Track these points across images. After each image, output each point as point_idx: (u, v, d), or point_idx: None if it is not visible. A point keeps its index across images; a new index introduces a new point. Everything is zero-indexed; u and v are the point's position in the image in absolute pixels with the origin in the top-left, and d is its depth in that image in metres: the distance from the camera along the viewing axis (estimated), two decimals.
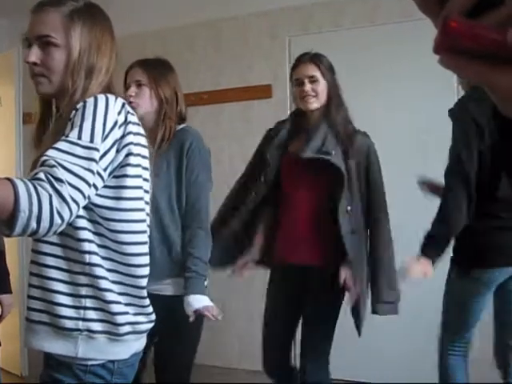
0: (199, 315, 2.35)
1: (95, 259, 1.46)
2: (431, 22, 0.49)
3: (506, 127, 0.59)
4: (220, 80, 4.46)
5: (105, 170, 1.41)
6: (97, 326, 1.48)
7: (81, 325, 1.47)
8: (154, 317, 1.63)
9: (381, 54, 4.03)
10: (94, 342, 1.48)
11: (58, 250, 1.48)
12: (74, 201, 1.29)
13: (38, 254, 1.50)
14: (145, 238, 1.57)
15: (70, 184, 1.29)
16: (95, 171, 1.36)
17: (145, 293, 1.57)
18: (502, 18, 0.46)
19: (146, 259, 1.56)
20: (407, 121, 4.00)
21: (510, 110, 0.48)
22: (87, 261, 1.46)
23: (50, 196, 1.25)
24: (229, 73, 4.58)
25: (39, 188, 1.24)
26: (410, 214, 3.69)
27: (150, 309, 1.61)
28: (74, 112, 1.43)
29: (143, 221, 1.56)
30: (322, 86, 2.70)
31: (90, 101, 1.42)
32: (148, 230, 1.60)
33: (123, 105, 1.48)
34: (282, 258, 2.76)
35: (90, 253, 1.46)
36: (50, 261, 1.48)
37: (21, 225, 1.22)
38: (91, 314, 1.47)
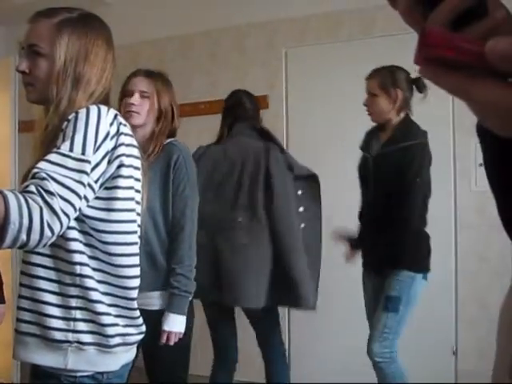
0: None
1: (86, 270, 1.45)
2: None
3: (486, 140, 0.59)
4: (216, 90, 4.46)
5: (96, 181, 1.41)
6: (87, 338, 1.46)
7: (70, 336, 1.45)
8: (144, 328, 1.62)
9: (377, 67, 4.04)
10: (83, 353, 1.47)
11: (48, 261, 1.47)
12: (65, 213, 1.29)
13: (29, 264, 1.48)
14: (136, 249, 1.56)
15: (61, 197, 1.29)
16: (86, 183, 1.36)
17: (135, 304, 1.56)
18: (485, 30, 0.46)
19: (136, 271, 1.55)
20: None
21: (490, 122, 0.48)
22: (78, 272, 1.45)
23: (41, 209, 1.25)
24: (225, 83, 4.59)
25: (30, 201, 1.24)
26: None
27: (140, 320, 1.60)
28: (65, 123, 1.42)
29: (134, 232, 1.55)
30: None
31: (82, 112, 1.42)
32: (139, 241, 1.59)
33: (115, 116, 1.48)
34: None
35: (80, 264, 1.45)
36: (40, 272, 1.47)
37: (11, 237, 1.22)
38: (81, 326, 1.46)
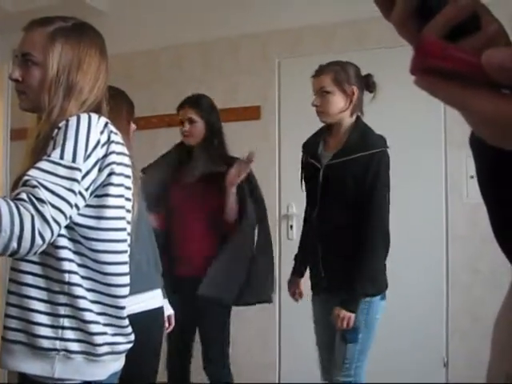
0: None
1: (75, 278, 1.45)
2: None
3: (481, 151, 0.59)
4: None
5: (87, 189, 1.41)
6: (74, 346, 1.46)
7: (58, 344, 1.44)
8: (132, 337, 1.61)
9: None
10: (71, 362, 1.46)
11: (37, 269, 1.46)
12: (56, 221, 1.30)
13: (18, 272, 1.48)
14: (125, 258, 1.56)
15: (52, 205, 1.29)
16: (77, 191, 1.36)
17: (124, 313, 1.56)
18: (480, 42, 0.47)
19: (125, 279, 1.55)
20: (396, 145, 4.02)
21: (484, 133, 0.48)
22: (67, 280, 1.44)
23: (32, 217, 1.25)
24: (218, 93, 4.59)
25: (21, 208, 1.24)
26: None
27: (129, 329, 1.59)
28: (56, 131, 1.42)
29: (124, 241, 1.55)
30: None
31: (73, 120, 1.43)
32: (129, 249, 1.59)
33: (106, 124, 1.48)
34: None
35: (69, 272, 1.44)
36: (28, 279, 1.46)
37: (1, 244, 1.22)
38: (69, 334, 1.45)
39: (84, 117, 1.44)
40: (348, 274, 2.60)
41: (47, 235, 1.28)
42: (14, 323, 1.48)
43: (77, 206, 1.38)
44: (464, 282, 3.89)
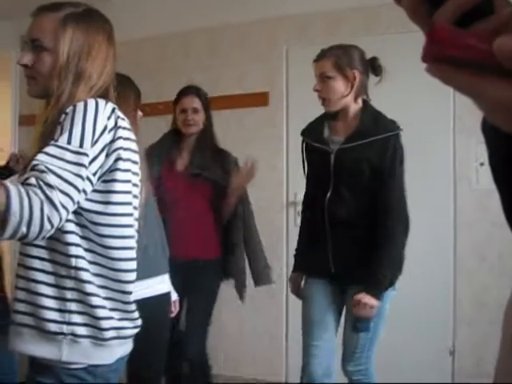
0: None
1: (82, 263, 1.46)
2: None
3: (494, 137, 0.59)
4: (216, 87, 4.45)
5: (94, 174, 1.42)
6: (81, 330, 1.47)
7: (65, 328, 1.46)
8: (139, 322, 1.62)
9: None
10: (78, 345, 1.47)
11: (45, 253, 1.47)
12: (64, 207, 1.31)
13: (26, 256, 1.50)
14: (132, 243, 1.57)
15: (60, 190, 1.30)
16: (85, 176, 1.37)
17: (130, 298, 1.57)
18: (491, 28, 0.46)
19: (132, 264, 1.56)
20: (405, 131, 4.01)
21: (497, 120, 0.47)
22: (73, 264, 1.45)
23: (42, 202, 1.26)
24: (225, 80, 4.58)
25: (31, 193, 1.26)
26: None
27: (136, 314, 1.61)
28: (63, 116, 1.43)
29: (131, 226, 1.56)
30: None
31: (80, 105, 1.43)
32: (136, 235, 1.60)
33: (113, 109, 1.48)
34: None
35: (76, 257, 1.46)
36: (36, 264, 1.48)
37: (11, 229, 1.24)
38: (76, 318, 1.47)
39: (91, 102, 1.44)
40: (363, 262, 2.56)
41: (55, 220, 1.29)
42: (22, 307, 1.50)
43: (84, 191, 1.39)
44: (471, 269, 3.89)
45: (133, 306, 1.59)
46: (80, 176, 1.36)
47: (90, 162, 1.39)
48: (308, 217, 2.88)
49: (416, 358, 3.86)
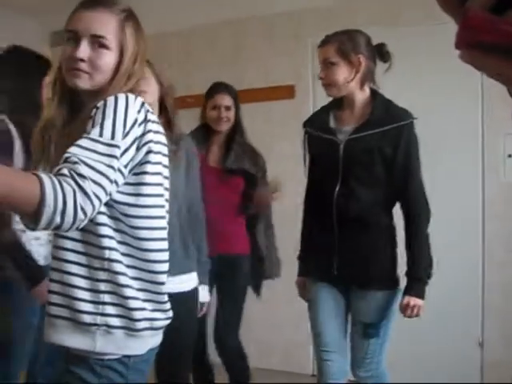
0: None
1: (115, 255, 1.49)
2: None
3: None
4: (242, 80, 4.46)
5: (125, 166, 1.44)
6: (114, 321, 1.50)
7: (99, 320, 1.49)
8: (171, 313, 1.65)
9: (403, 56, 4.01)
10: (111, 336, 1.50)
11: (78, 246, 1.50)
12: (97, 196, 1.33)
13: (59, 249, 1.52)
14: (164, 234, 1.59)
15: (93, 180, 1.32)
16: (116, 168, 1.39)
17: (163, 289, 1.59)
18: None
19: (165, 255, 1.59)
20: (434, 124, 3.98)
21: None
22: (107, 256, 1.48)
23: (74, 192, 1.28)
24: (251, 73, 4.59)
25: (64, 184, 1.27)
26: None
27: (168, 305, 1.63)
28: (94, 110, 1.45)
29: (163, 217, 1.59)
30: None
31: (111, 99, 1.45)
32: (167, 226, 1.62)
33: (142, 104, 1.50)
34: None
35: (109, 249, 1.48)
36: (70, 256, 1.51)
37: (46, 219, 1.25)
38: (109, 309, 1.49)
39: (122, 96, 1.46)
40: (372, 262, 2.49)
41: (89, 210, 1.31)
42: (56, 299, 1.53)
43: (116, 183, 1.41)
44: (499, 261, 3.86)
45: (165, 297, 1.61)
46: (112, 167, 1.38)
47: (122, 154, 1.41)
48: (312, 214, 2.72)
49: (446, 350, 3.85)
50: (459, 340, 3.87)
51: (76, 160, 1.32)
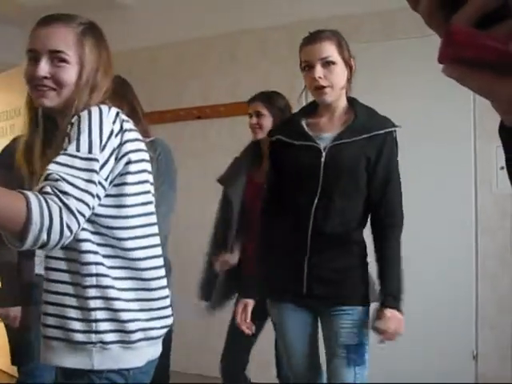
0: None
1: (101, 269, 1.48)
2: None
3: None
4: (237, 92, 4.46)
5: (106, 179, 1.44)
6: (109, 337, 1.49)
7: (93, 337, 1.48)
8: (169, 321, 1.63)
9: (394, 70, 4.03)
10: (107, 352, 1.49)
11: (63, 264, 1.50)
12: (81, 213, 1.34)
13: (47, 270, 1.53)
14: (154, 241, 1.59)
15: (75, 197, 1.33)
16: (97, 182, 1.39)
17: (157, 294, 1.58)
18: (508, 31, 0.46)
19: (155, 262, 1.58)
20: (426, 136, 3.99)
21: None
22: (94, 272, 1.47)
23: (60, 209, 1.29)
24: (246, 85, 4.59)
25: (49, 201, 1.28)
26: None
27: (166, 311, 1.62)
28: (69, 127, 1.45)
29: (150, 225, 1.59)
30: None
31: (84, 114, 1.45)
32: (157, 233, 1.62)
33: (117, 114, 1.50)
34: None
35: (96, 264, 1.47)
36: (57, 276, 1.51)
37: (32, 236, 1.25)
38: (103, 326, 1.49)
39: (95, 109, 1.46)
40: (345, 281, 2.28)
41: (74, 227, 1.32)
42: (50, 320, 1.52)
43: (98, 196, 1.41)
44: (493, 273, 3.85)
45: (163, 302, 1.60)
46: (92, 181, 1.38)
47: (101, 167, 1.41)
48: (277, 228, 2.42)
49: (440, 362, 3.83)
50: (453, 353, 3.86)
51: (57, 177, 1.33)
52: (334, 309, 2.28)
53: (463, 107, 3.86)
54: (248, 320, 2.48)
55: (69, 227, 1.30)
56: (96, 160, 1.40)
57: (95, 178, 1.38)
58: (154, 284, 1.56)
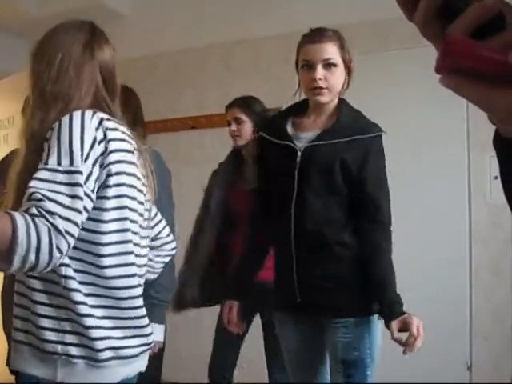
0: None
1: (72, 284, 1.40)
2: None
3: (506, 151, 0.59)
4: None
5: (92, 190, 1.37)
6: (75, 351, 1.42)
7: (60, 348, 1.41)
8: (150, 339, 1.56)
9: (389, 80, 4.04)
10: (73, 366, 1.42)
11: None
12: (69, 233, 1.27)
13: (23, 274, 1.45)
14: (130, 259, 1.48)
15: (61, 216, 1.26)
16: (82, 196, 1.32)
17: (134, 313, 1.50)
18: (503, 43, 0.46)
19: (131, 281, 1.49)
20: (419, 146, 4.00)
21: (509, 131, 0.47)
22: (63, 284, 1.40)
23: (49, 230, 1.22)
24: (240, 95, 4.59)
25: (37, 221, 1.21)
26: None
27: (146, 330, 1.54)
28: (49, 132, 1.38)
29: (127, 242, 1.48)
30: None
31: (65, 119, 1.38)
32: (134, 250, 1.51)
33: (101, 121, 1.42)
34: None
35: (65, 277, 1.40)
36: (32, 283, 1.44)
37: (19, 257, 1.19)
38: (70, 338, 1.42)
39: (77, 114, 1.39)
40: (345, 284, 2.17)
41: (64, 247, 1.25)
42: (20, 324, 1.47)
43: (86, 209, 1.34)
44: (487, 284, 3.85)
45: (139, 322, 1.51)
46: (77, 197, 1.30)
47: (86, 179, 1.34)
48: (267, 227, 2.38)
49: (434, 373, 3.82)
50: (448, 363, 3.85)
51: (40, 196, 1.25)
52: (333, 321, 2.17)
53: (457, 117, 3.87)
54: (235, 321, 2.45)
55: (58, 248, 1.23)
56: (79, 172, 1.32)
57: (80, 192, 1.31)
58: (129, 303, 1.48)
